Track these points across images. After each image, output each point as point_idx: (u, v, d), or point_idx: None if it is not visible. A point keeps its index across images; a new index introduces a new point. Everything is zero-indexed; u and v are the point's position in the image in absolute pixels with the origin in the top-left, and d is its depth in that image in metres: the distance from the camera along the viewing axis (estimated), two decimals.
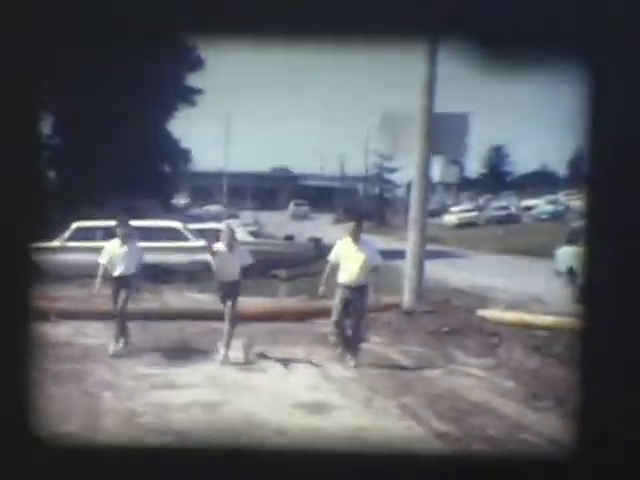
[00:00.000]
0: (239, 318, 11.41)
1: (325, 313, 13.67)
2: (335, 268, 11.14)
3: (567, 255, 18.26)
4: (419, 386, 10.17)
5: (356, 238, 11.09)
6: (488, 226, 48.05)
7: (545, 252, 26.71)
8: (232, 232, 11.75)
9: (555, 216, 46.78)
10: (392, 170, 57.19)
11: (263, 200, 58.98)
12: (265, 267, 20.51)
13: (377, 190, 58.74)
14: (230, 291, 11.24)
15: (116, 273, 11.60)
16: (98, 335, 12.40)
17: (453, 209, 53.28)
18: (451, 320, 13.33)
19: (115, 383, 9.66)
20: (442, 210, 56.63)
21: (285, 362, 11.02)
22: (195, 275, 18.12)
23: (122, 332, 11.49)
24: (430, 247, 35.71)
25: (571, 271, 17.74)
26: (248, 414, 8.51)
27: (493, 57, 2.11)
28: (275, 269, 21.50)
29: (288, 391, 9.62)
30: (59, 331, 12.06)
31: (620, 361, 2.11)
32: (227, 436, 7.81)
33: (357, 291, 11.04)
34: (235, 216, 39.08)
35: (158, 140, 32.26)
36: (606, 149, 2.11)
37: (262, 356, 11.23)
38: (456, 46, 2.13)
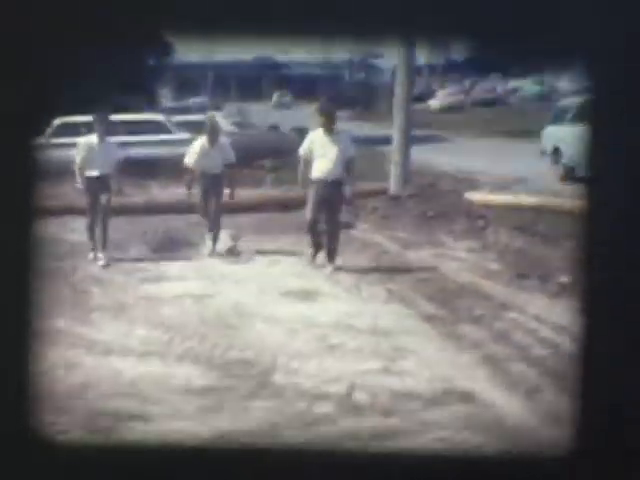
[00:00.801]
0: (223, 211, 11.38)
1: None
2: (308, 162, 10.35)
3: (552, 135, 18.21)
4: (405, 270, 10.25)
5: (328, 129, 10.23)
6: (474, 109, 47.76)
7: (531, 134, 26.71)
8: (214, 125, 11.65)
9: (541, 97, 46.47)
10: (377, 55, 56.49)
11: (247, 90, 58.30)
12: (249, 157, 20.42)
13: (362, 76, 58.16)
14: (213, 185, 11.20)
15: (92, 173, 10.88)
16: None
17: (439, 93, 52.80)
18: (437, 204, 13.39)
19: (104, 278, 9.71)
20: (428, 94, 56.17)
21: (271, 253, 11.06)
22: (180, 168, 17.98)
23: (104, 241, 10.71)
24: (416, 132, 35.74)
25: (556, 150, 17.74)
26: (238, 304, 8.60)
27: (492, 57, 2.04)
28: (259, 159, 21.38)
29: (276, 280, 9.70)
30: (47, 228, 12.02)
31: (620, 361, 2.12)
32: (217, 325, 7.94)
33: (332, 186, 10.21)
34: (218, 107, 38.68)
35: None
36: (606, 149, 2.11)
37: (248, 248, 11.27)
38: (456, 46, 2.09)
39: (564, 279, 9.24)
